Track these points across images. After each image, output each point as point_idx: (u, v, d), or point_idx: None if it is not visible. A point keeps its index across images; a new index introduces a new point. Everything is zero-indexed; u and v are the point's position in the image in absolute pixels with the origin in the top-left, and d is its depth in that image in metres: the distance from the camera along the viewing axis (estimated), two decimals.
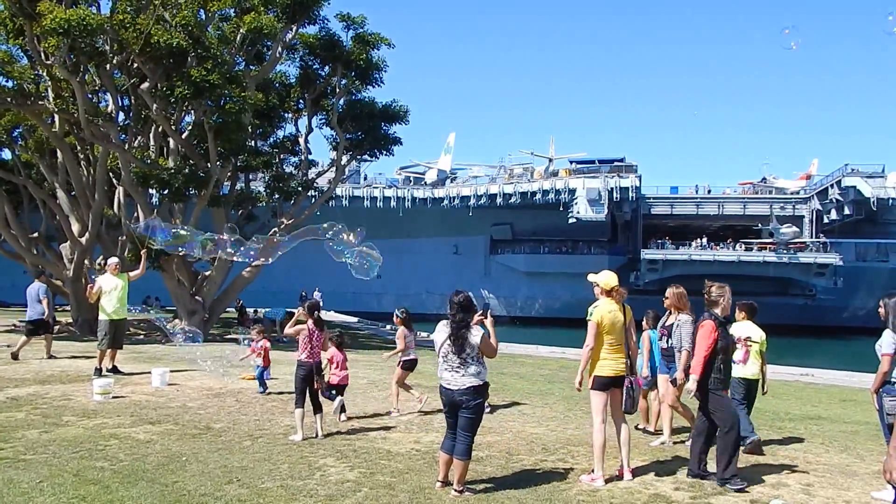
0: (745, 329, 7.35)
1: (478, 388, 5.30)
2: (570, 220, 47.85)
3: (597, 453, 5.84)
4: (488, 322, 5.42)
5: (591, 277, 6.11)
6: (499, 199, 50.06)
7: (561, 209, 48.11)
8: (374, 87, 22.52)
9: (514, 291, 50.59)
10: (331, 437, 7.29)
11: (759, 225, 47.62)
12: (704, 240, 47.81)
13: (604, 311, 5.93)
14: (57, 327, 17.91)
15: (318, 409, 7.42)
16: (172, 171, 18.69)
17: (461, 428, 5.34)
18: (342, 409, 8.30)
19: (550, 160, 54.58)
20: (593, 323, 5.88)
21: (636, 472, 6.08)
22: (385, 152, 23.70)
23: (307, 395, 7.35)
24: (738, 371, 7.02)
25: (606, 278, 6.08)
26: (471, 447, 5.41)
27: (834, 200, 45.56)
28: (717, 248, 47.50)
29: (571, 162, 54.22)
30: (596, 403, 5.94)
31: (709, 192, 49.88)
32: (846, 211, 44.64)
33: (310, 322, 7.48)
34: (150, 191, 20.85)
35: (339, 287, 42.79)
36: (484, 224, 51.87)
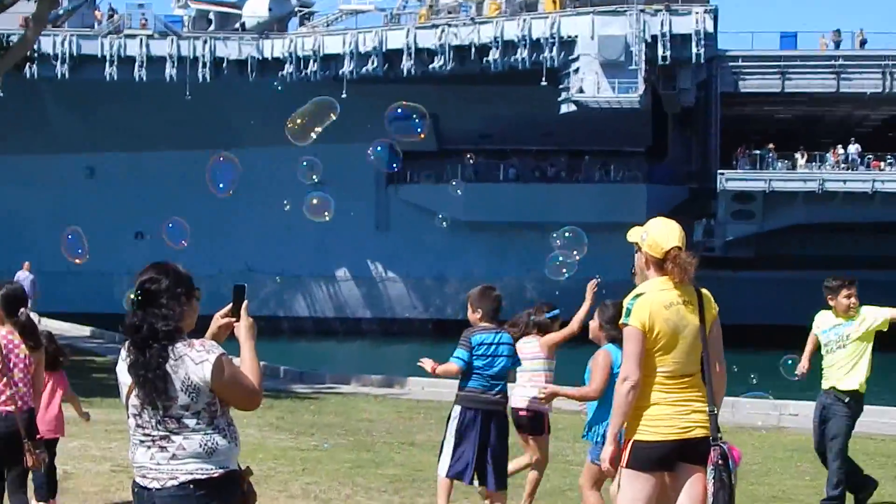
0: None
1: (201, 484, 3.31)
2: (566, 109, 35.59)
3: None
4: (244, 326, 3.44)
5: (633, 233, 4.57)
6: (407, 64, 36.22)
7: (544, 83, 34.93)
8: None
9: (441, 266, 37.53)
10: None
11: None
12: (854, 147, 36.44)
13: (653, 303, 4.16)
14: None
15: (50, 491, 7.04)
16: None
17: None
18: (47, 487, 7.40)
19: None
20: (633, 331, 4.18)
21: None
22: None
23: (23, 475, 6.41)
24: None
25: (657, 232, 4.35)
26: None
27: None
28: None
29: None
30: (629, 497, 4.24)
31: (863, 43, 37.06)
32: None
33: (3, 329, 5.93)
34: None
35: (59, 265, 28.71)
36: (373, 119, 34.06)
